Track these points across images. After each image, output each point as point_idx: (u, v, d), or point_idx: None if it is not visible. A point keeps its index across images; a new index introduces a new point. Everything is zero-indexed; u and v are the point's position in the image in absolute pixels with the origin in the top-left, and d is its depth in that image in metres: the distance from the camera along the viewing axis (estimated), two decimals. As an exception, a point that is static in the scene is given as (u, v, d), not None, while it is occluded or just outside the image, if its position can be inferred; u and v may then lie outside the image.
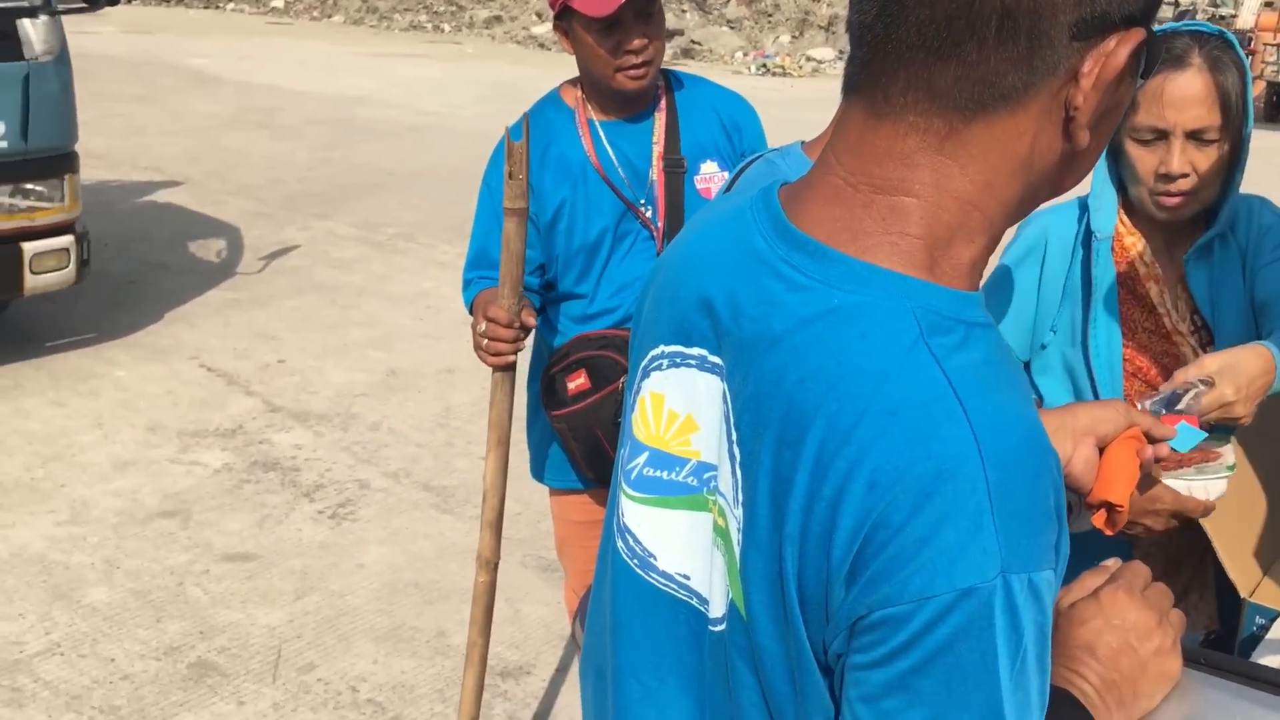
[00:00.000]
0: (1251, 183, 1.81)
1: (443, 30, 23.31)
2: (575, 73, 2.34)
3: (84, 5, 5.08)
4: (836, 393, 0.76)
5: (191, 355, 5.47)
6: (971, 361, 0.77)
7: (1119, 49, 0.77)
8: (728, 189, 1.62)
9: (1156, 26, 1.69)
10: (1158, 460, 1.47)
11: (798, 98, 14.98)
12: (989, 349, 0.79)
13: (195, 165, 9.58)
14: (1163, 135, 1.72)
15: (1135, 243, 1.85)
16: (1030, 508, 0.74)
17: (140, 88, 13.41)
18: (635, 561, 0.97)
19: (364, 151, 10.61)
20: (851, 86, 0.84)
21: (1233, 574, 1.57)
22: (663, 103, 2.34)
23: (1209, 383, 1.55)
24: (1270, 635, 1.52)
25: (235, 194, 8.71)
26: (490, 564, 2.34)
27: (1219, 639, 1.82)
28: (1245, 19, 17.19)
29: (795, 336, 0.80)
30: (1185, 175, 1.72)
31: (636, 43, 2.18)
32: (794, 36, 20.87)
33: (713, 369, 0.88)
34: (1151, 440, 1.43)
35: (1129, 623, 1.01)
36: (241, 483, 4.23)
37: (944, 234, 0.81)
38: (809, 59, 19.82)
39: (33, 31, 4.81)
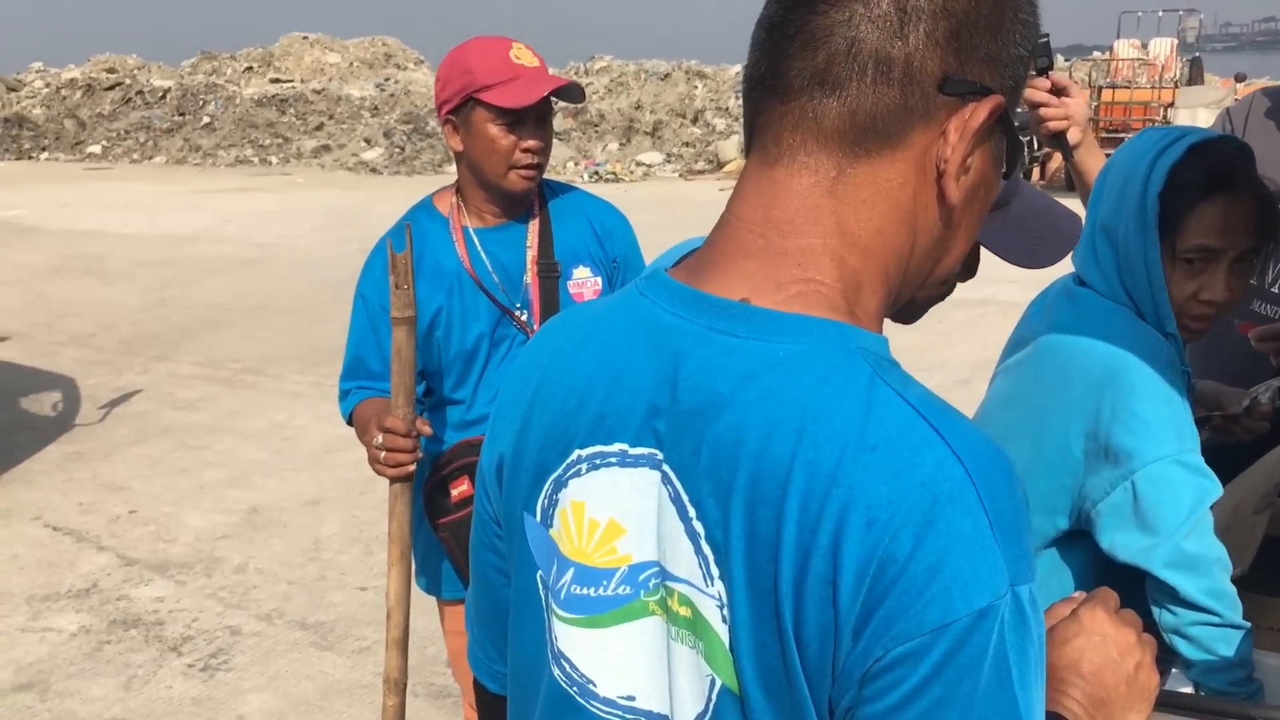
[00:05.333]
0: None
1: (270, 163, 23.09)
2: (410, 194, 2.35)
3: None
4: (810, 439, 0.75)
5: (34, 515, 5.16)
6: (924, 392, 0.79)
7: (977, 111, 0.83)
8: None
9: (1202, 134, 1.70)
10: None
11: (633, 200, 15.26)
12: (919, 382, 0.81)
13: (19, 319, 9.17)
14: (1214, 256, 1.66)
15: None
16: (1017, 521, 0.75)
17: (-47, 244, 12.84)
18: (575, 689, 0.90)
19: (200, 289, 10.34)
20: (747, 146, 0.88)
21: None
22: (536, 208, 2.36)
23: None
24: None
25: (66, 344, 8.35)
26: (399, 685, 2.23)
27: None
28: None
29: (746, 393, 0.79)
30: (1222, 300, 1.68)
31: (533, 143, 2.21)
32: (621, 144, 21.40)
33: (636, 461, 0.85)
34: None
35: (1110, 638, 1.00)
36: (101, 644, 3.97)
37: (853, 281, 0.83)
38: (639, 164, 20.32)
39: None
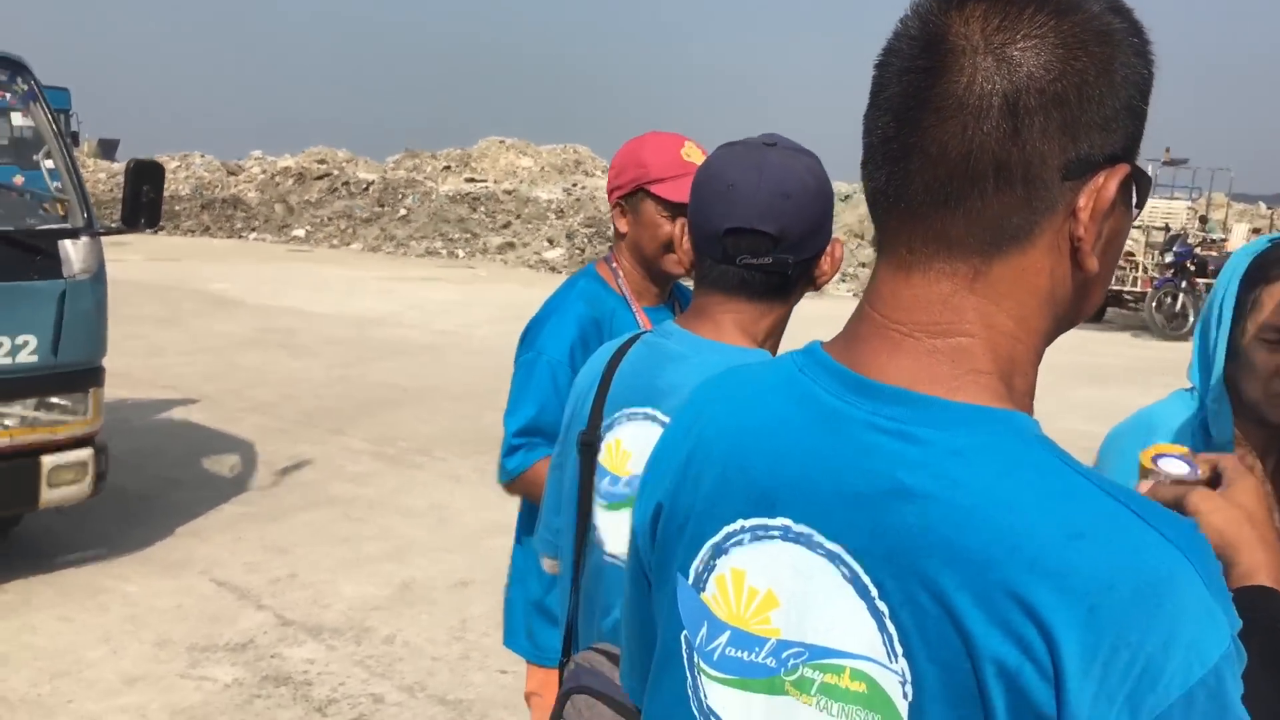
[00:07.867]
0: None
1: (457, 255, 24.07)
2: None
3: (122, 227, 5.26)
4: (1008, 529, 0.77)
5: (202, 570, 5.41)
6: (1105, 477, 0.80)
7: (1108, 183, 0.84)
8: (607, 375, 1.71)
9: None
10: None
11: (803, 317, 15.29)
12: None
13: (212, 383, 9.74)
14: None
15: (1246, 455, 1.72)
16: (1220, 576, 0.78)
17: (162, 311, 13.77)
18: None
19: (380, 369, 10.79)
20: (878, 247, 0.90)
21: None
22: (671, 299, 2.48)
23: None
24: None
25: (251, 411, 8.81)
26: None
27: None
28: (1235, 244, 17.72)
29: (928, 483, 0.81)
30: None
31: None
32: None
33: (797, 539, 0.87)
34: None
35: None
36: (252, 698, 4.11)
37: (1007, 367, 0.86)
38: (813, 281, 20.36)
39: (73, 251, 4.99)
